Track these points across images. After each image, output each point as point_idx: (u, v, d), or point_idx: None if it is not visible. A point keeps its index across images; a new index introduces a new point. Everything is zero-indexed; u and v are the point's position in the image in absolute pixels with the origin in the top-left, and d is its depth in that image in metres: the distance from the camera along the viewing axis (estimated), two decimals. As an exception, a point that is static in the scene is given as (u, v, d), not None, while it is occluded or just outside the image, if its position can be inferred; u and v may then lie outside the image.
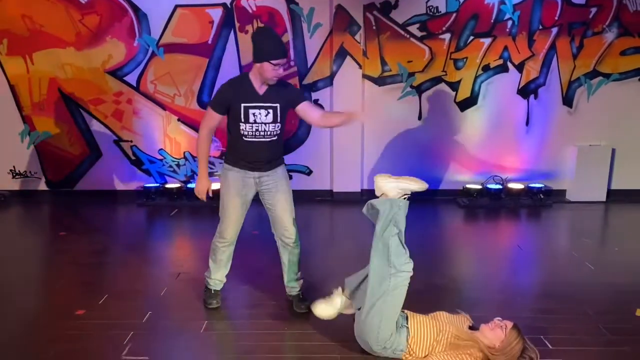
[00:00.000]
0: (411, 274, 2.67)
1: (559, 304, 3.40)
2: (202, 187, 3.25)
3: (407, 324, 2.71)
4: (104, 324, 3.10)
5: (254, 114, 2.99)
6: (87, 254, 4.37)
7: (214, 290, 3.37)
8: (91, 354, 2.81)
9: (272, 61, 2.87)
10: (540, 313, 3.28)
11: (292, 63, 5.80)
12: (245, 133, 3.02)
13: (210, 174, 6.02)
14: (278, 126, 3.08)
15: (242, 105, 2.97)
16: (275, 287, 3.53)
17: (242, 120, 2.99)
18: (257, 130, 3.02)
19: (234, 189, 3.15)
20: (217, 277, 3.35)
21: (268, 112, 3.02)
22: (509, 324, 2.54)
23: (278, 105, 3.03)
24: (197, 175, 3.24)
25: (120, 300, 3.45)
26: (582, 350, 2.83)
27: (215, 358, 2.84)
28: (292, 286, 3.36)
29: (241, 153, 3.09)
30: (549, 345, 2.87)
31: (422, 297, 3.26)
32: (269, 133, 3.06)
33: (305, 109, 3.15)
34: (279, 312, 3.29)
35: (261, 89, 2.99)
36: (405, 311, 2.78)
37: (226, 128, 3.16)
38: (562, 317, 3.22)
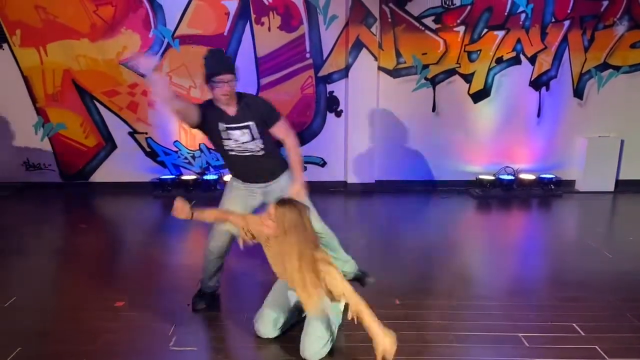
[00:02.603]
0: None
1: (582, 292, 3.50)
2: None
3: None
4: (146, 316, 3.15)
5: (232, 134, 2.93)
6: (111, 247, 4.41)
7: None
8: (137, 345, 2.86)
9: (211, 80, 2.83)
10: (567, 301, 3.37)
11: (307, 55, 5.83)
12: (231, 148, 2.98)
13: (225, 166, 6.10)
14: (260, 142, 2.98)
15: (219, 124, 2.91)
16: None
17: (223, 138, 2.95)
18: (239, 146, 2.97)
19: (237, 195, 3.11)
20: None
21: (244, 132, 2.94)
22: (271, 208, 2.61)
23: (252, 123, 2.93)
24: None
25: (158, 292, 3.50)
26: (612, 337, 2.93)
27: (255, 341, 2.91)
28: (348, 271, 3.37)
29: (234, 168, 3.09)
30: (581, 332, 2.97)
31: (439, 285, 3.35)
32: (251, 149, 2.98)
33: (276, 134, 3.06)
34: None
35: (230, 110, 2.92)
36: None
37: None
38: (588, 304, 3.32)
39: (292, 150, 3.09)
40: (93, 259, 4.19)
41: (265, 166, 3.08)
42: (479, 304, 3.32)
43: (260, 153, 3.01)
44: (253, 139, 2.96)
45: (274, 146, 3.10)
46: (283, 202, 2.62)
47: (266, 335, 2.87)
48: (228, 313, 3.22)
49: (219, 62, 2.90)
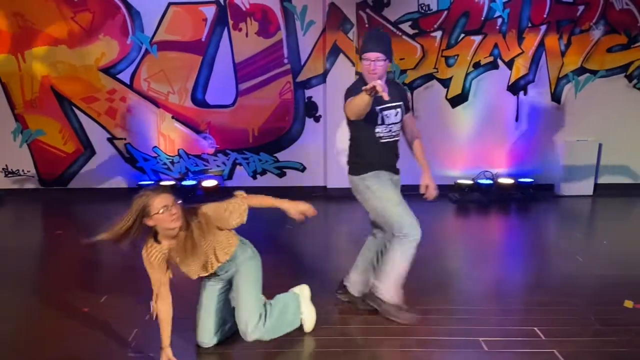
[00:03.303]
0: None
1: (550, 296, 3.51)
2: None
3: None
4: (108, 322, 3.14)
5: (386, 116, 2.97)
6: (84, 253, 4.39)
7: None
8: (98, 350, 2.86)
9: (363, 55, 2.90)
10: (532, 305, 3.37)
11: (285, 60, 5.85)
12: (382, 135, 2.99)
13: (204, 171, 6.12)
14: (400, 125, 3.08)
15: (376, 107, 2.90)
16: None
17: (378, 122, 2.96)
18: (390, 130, 3.01)
19: (389, 184, 3.06)
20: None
21: (397, 112, 3.02)
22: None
23: (401, 103, 3.04)
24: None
25: (122, 298, 3.50)
26: (573, 340, 2.93)
27: (219, 349, 2.90)
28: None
29: (376, 157, 3.03)
30: (542, 336, 2.97)
31: (415, 291, 3.35)
32: (394, 133, 3.05)
33: (409, 121, 3.16)
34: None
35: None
36: None
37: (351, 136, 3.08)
38: (554, 309, 3.32)
39: (420, 141, 3.22)
40: (65, 265, 4.18)
41: (397, 154, 3.14)
42: (445, 309, 3.32)
43: (397, 139, 3.09)
44: (399, 121, 3.04)
45: None
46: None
47: (205, 344, 2.86)
48: (189, 320, 3.20)
49: (370, 39, 2.97)
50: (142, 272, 3.93)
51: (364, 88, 2.55)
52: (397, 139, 3.10)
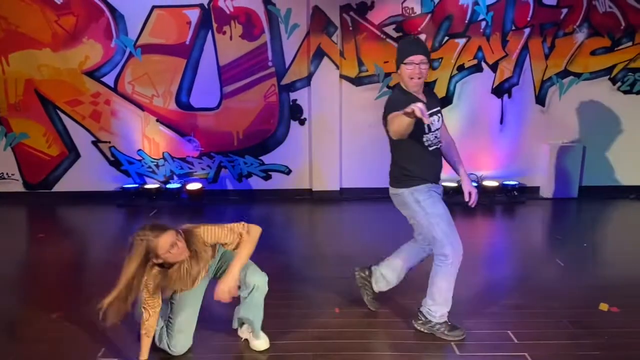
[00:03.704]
0: None
1: (526, 299, 3.51)
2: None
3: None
4: (80, 327, 3.13)
5: (432, 122, 2.85)
6: (63, 257, 4.39)
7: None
8: (66, 356, 2.84)
9: (406, 60, 2.78)
10: (508, 308, 3.38)
11: (269, 63, 5.85)
12: (430, 143, 2.89)
13: (189, 174, 6.11)
14: (440, 131, 2.99)
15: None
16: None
17: (425, 131, 2.85)
18: (435, 137, 2.93)
19: (438, 199, 2.97)
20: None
21: (439, 117, 2.96)
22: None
23: (439, 108, 3.00)
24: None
25: (95, 302, 3.47)
26: (545, 343, 2.94)
27: (190, 357, 2.90)
28: None
29: (427, 166, 2.93)
30: (515, 340, 2.98)
31: (382, 294, 3.35)
32: (439, 139, 2.97)
33: (444, 129, 3.07)
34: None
35: (420, 97, 2.86)
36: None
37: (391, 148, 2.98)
38: (529, 312, 3.33)
39: (456, 147, 3.15)
40: (43, 269, 4.16)
41: (441, 161, 3.06)
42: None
43: (441, 144, 3.02)
44: (440, 126, 2.97)
45: None
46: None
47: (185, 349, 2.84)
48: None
49: (412, 43, 2.92)
50: (115, 276, 3.93)
51: (403, 112, 2.44)
52: (441, 145, 3.02)
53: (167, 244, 2.41)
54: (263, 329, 2.87)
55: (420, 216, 2.91)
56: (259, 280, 2.72)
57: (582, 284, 3.76)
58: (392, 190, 3.02)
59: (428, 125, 2.84)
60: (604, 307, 3.37)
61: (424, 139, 2.88)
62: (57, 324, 3.17)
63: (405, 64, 2.80)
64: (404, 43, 3.00)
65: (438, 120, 2.96)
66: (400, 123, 2.57)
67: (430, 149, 2.92)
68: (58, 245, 4.72)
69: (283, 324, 3.12)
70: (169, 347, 2.78)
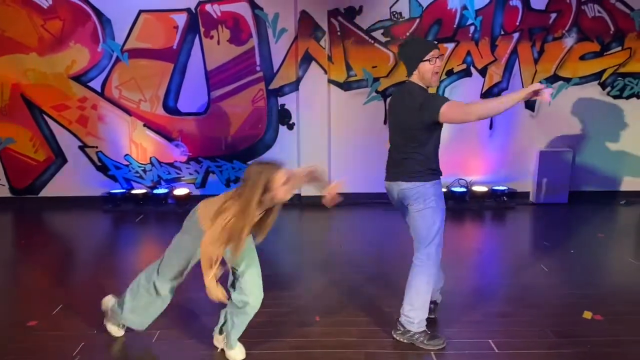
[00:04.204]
0: None
1: (510, 307, 3.47)
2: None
3: None
4: (55, 336, 3.08)
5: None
6: (45, 263, 4.34)
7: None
8: (39, 366, 2.80)
9: (426, 56, 2.75)
10: (490, 316, 3.34)
11: (257, 68, 5.82)
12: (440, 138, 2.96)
13: (177, 179, 6.07)
14: None
15: None
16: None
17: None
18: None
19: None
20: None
21: None
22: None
23: None
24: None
25: (74, 310, 3.43)
26: (526, 353, 2.89)
27: (165, 367, 2.86)
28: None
29: (437, 160, 2.97)
30: (495, 349, 2.93)
31: (364, 301, 3.32)
32: None
33: None
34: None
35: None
36: None
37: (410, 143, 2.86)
38: (512, 320, 3.29)
39: None
40: (21, 276, 4.11)
41: None
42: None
43: None
44: None
45: None
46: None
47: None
48: (136, 333, 3.15)
49: (424, 41, 3.03)
50: (98, 283, 3.89)
51: (533, 89, 2.43)
52: None
53: (283, 178, 2.39)
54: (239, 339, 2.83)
55: (431, 211, 2.90)
56: (255, 299, 2.72)
57: (567, 292, 3.72)
58: (409, 185, 2.92)
59: None
60: (587, 315, 3.33)
61: (440, 133, 2.91)
62: (33, 333, 3.12)
63: (426, 60, 2.77)
64: (416, 42, 3.00)
65: None
66: (506, 105, 2.53)
67: (439, 143, 2.96)
68: (40, 251, 4.67)
69: (260, 333, 3.07)
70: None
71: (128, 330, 3.08)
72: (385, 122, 5.95)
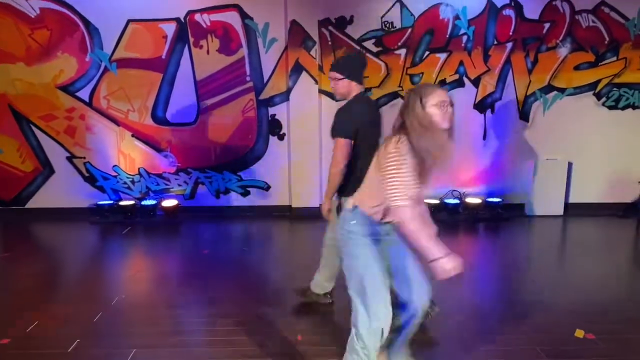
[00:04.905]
0: None
1: (499, 324, 3.36)
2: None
3: None
4: (27, 354, 2.97)
5: None
6: (26, 277, 4.24)
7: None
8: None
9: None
10: (477, 334, 3.23)
11: (247, 78, 5.74)
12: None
13: (165, 191, 5.97)
14: None
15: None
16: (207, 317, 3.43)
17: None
18: None
19: None
20: None
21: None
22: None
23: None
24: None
25: (50, 327, 3.33)
26: (515, 374, 2.79)
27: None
28: None
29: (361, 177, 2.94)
30: (482, 370, 2.83)
31: (347, 319, 3.19)
32: None
33: None
34: (208, 340, 3.19)
35: None
36: None
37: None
38: (500, 337, 3.18)
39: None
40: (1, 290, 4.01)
41: None
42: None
43: None
44: None
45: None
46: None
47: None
48: (113, 349, 3.04)
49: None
50: (74, 298, 3.77)
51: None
52: None
53: (442, 96, 2.19)
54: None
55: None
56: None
57: (559, 309, 3.60)
58: (342, 200, 3.10)
59: None
60: (579, 333, 3.22)
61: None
62: (5, 352, 3.02)
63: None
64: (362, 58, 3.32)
65: None
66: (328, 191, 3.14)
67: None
68: (22, 264, 4.56)
69: (239, 353, 2.96)
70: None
71: (108, 348, 2.98)
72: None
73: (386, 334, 2.37)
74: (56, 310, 3.61)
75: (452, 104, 2.26)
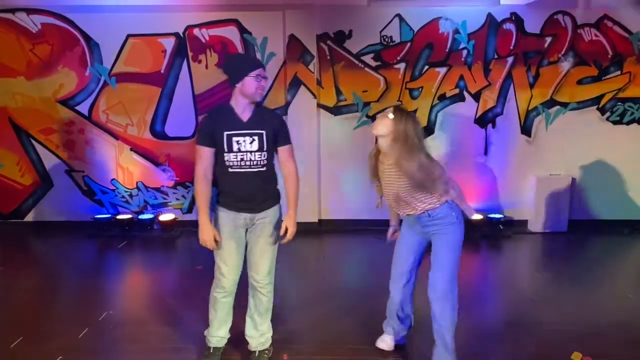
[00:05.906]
0: None
1: (493, 344, 3.26)
2: (206, 235, 2.80)
3: None
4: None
5: (237, 142, 2.75)
6: (18, 291, 4.21)
7: (214, 347, 3.07)
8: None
9: (250, 73, 2.72)
10: (469, 357, 3.12)
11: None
12: (230, 164, 2.77)
13: (163, 204, 5.94)
14: (264, 155, 2.80)
15: (225, 133, 2.74)
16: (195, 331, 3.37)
17: (226, 150, 2.76)
18: (242, 159, 2.77)
19: (227, 231, 2.88)
20: (219, 334, 3.06)
21: (253, 140, 2.77)
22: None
23: (264, 132, 2.79)
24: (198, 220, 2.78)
25: (33, 343, 3.28)
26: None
27: None
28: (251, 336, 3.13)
29: (229, 187, 2.83)
30: (471, 394, 2.72)
31: (334, 337, 3.13)
32: (255, 162, 2.79)
33: (281, 157, 2.91)
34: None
35: (244, 116, 2.78)
36: None
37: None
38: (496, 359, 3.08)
39: (292, 178, 2.96)
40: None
41: (261, 186, 2.87)
42: (372, 358, 3.09)
43: (262, 169, 2.82)
44: (260, 149, 2.79)
45: (271, 169, 2.90)
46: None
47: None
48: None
49: (252, 58, 3.03)
50: (63, 313, 3.73)
51: None
52: (258, 169, 2.82)
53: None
54: None
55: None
56: None
57: (556, 329, 3.49)
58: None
59: (230, 144, 2.75)
60: (576, 357, 3.10)
61: (225, 158, 2.78)
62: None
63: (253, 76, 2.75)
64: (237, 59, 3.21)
65: (251, 143, 2.76)
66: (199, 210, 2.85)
67: (232, 170, 2.79)
68: (18, 278, 4.54)
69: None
70: None
71: None
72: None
73: None
74: (43, 325, 3.57)
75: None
